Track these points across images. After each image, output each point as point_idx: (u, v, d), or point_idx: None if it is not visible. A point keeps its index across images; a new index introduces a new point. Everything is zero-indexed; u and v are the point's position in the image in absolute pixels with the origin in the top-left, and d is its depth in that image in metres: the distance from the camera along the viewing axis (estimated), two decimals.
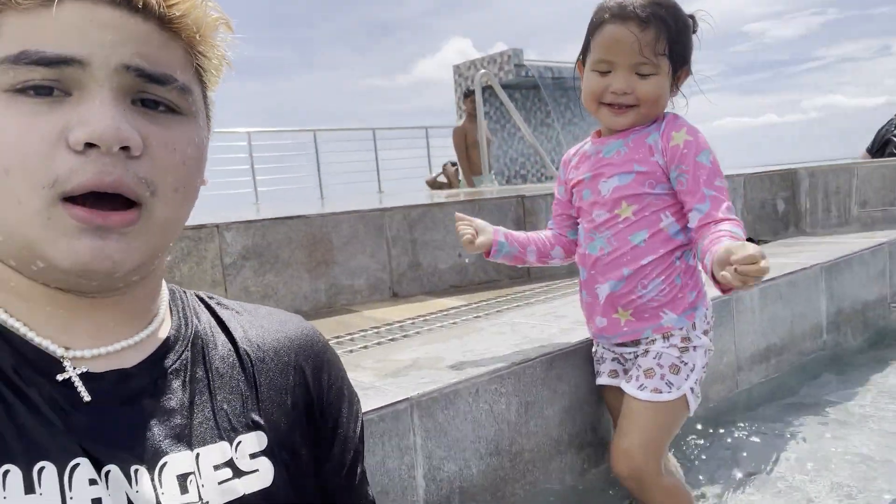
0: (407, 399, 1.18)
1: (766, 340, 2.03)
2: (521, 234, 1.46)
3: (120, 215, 0.51)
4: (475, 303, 2.12)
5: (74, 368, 0.54)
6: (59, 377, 0.53)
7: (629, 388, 1.31)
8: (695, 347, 1.29)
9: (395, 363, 1.42)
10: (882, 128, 3.69)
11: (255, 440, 0.61)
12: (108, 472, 0.51)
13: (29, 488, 0.48)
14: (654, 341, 1.30)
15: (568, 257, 1.48)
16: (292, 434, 0.65)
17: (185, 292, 0.67)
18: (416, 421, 1.20)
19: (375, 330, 1.82)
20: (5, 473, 0.48)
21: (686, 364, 1.29)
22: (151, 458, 0.54)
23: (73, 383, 0.53)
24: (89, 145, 0.48)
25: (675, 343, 1.29)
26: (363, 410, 1.11)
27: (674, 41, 1.24)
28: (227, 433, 0.60)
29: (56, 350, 0.54)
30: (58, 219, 0.49)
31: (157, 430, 0.55)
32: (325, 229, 2.17)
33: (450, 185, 7.72)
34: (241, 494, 0.58)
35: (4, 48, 0.48)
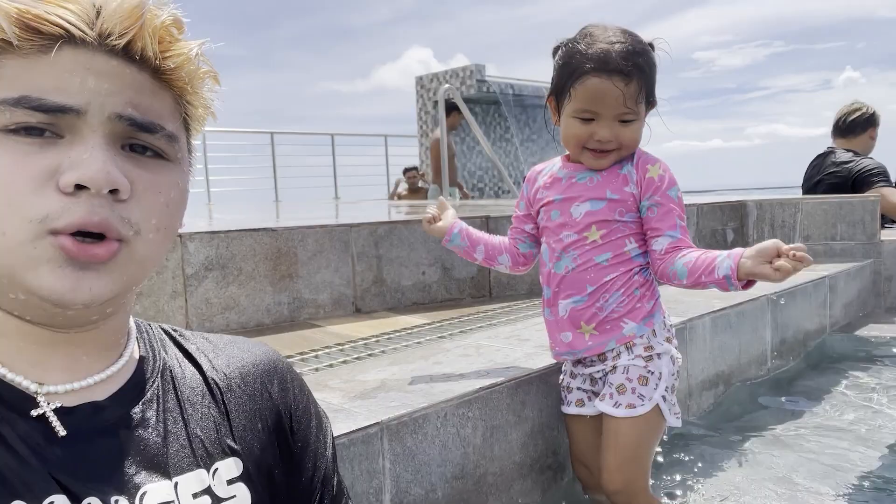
0: (378, 423, 1.20)
1: (715, 367, 2.11)
2: (476, 234, 1.54)
3: (103, 248, 0.52)
4: (438, 321, 2.14)
5: (49, 404, 0.55)
6: (34, 412, 0.54)
7: (605, 406, 1.36)
8: (659, 355, 1.36)
9: (362, 384, 1.43)
10: (812, 167, 3.70)
11: (231, 466, 0.63)
12: None
13: None
14: (619, 355, 1.36)
15: (514, 267, 1.54)
16: (266, 457, 0.67)
17: (150, 325, 0.69)
18: (386, 445, 1.21)
19: (340, 347, 1.83)
20: None
21: (653, 373, 1.34)
22: (131, 489, 0.55)
23: (47, 418, 0.54)
24: (79, 187, 0.51)
25: (640, 353, 1.35)
26: (335, 434, 1.13)
27: (650, 87, 1.32)
28: (204, 460, 0.61)
29: (29, 386, 0.55)
30: (43, 249, 0.51)
31: (134, 461, 0.56)
32: (291, 243, 2.16)
33: (410, 194, 7.75)
34: None
35: (4, 90, 0.50)
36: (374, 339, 1.90)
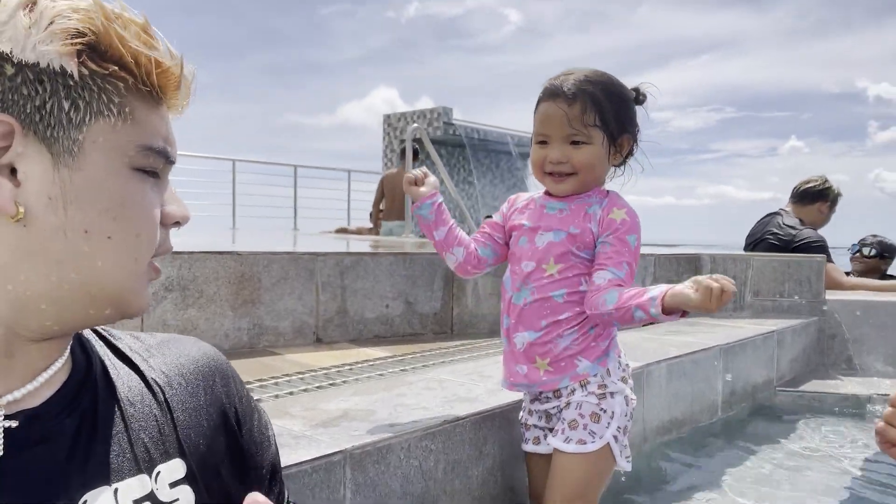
0: (341, 451, 1.18)
1: (669, 414, 2.15)
2: (446, 216, 1.48)
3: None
4: (400, 355, 2.13)
5: (3, 418, 0.53)
6: None
7: (556, 441, 1.36)
8: (612, 394, 1.37)
9: (324, 413, 1.41)
10: (758, 224, 3.83)
11: (174, 468, 0.62)
12: None
13: None
14: (573, 391, 1.37)
15: (463, 265, 1.48)
16: (212, 454, 0.66)
17: None
18: (349, 474, 1.19)
19: (300, 376, 1.80)
20: None
21: (605, 411, 1.35)
22: (68, 500, 0.54)
23: None
24: (176, 223, 0.61)
25: (593, 391, 1.36)
26: (297, 461, 1.11)
27: (606, 113, 1.35)
28: (146, 464, 0.60)
29: None
30: (147, 272, 0.59)
31: (71, 470, 0.55)
32: (255, 268, 2.13)
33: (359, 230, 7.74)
34: None
35: (147, 137, 0.56)
36: (335, 370, 1.88)
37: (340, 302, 2.32)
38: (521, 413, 1.50)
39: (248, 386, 1.65)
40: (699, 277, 1.18)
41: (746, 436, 2.45)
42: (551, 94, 1.36)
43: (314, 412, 1.41)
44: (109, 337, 0.68)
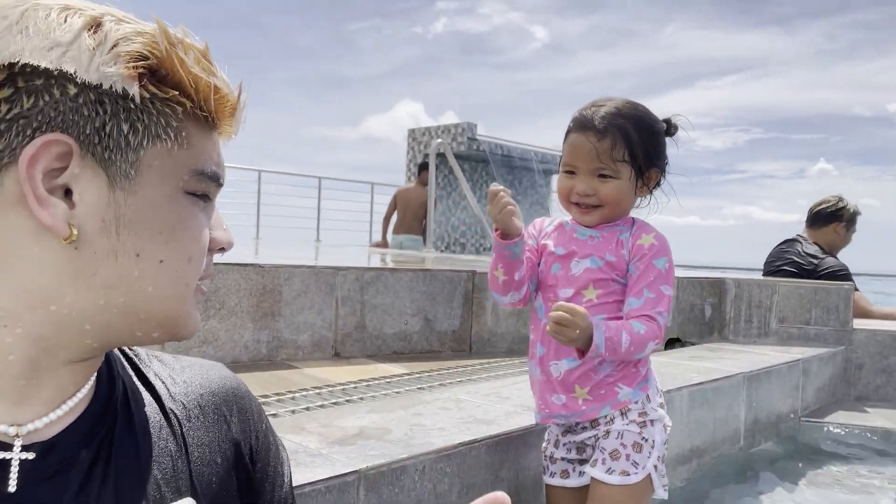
0: (356, 472, 1.17)
1: (690, 442, 2.11)
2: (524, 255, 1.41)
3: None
4: (417, 372, 2.12)
5: (20, 449, 0.52)
6: (1, 456, 0.51)
7: (596, 472, 1.32)
8: (652, 422, 1.34)
9: (340, 430, 1.40)
10: (777, 251, 3.70)
11: None
12: None
13: None
14: (612, 420, 1.34)
15: (523, 302, 1.42)
16: (224, 491, 0.65)
17: None
18: (362, 495, 1.18)
19: (317, 391, 1.80)
20: None
21: (647, 440, 1.32)
22: None
23: (10, 467, 0.51)
24: (221, 248, 0.61)
25: (634, 419, 1.33)
26: (311, 479, 1.11)
27: (635, 148, 1.34)
28: (157, 502, 0.58)
29: (9, 430, 0.51)
30: (195, 295, 0.59)
31: None
32: (277, 281, 2.15)
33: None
34: None
35: (201, 162, 0.56)
36: (352, 385, 1.88)
37: (359, 317, 2.32)
38: (546, 445, 1.45)
39: (265, 400, 1.66)
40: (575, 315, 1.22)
41: (769, 466, 2.39)
42: (582, 125, 1.35)
43: (330, 429, 1.40)
44: (135, 358, 0.66)
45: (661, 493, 1.35)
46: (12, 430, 0.51)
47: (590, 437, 1.37)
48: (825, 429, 2.75)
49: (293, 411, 1.57)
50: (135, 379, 0.64)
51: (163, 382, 0.65)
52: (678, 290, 3.27)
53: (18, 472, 0.51)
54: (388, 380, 1.98)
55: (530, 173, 12.20)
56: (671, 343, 3.24)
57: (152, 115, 0.52)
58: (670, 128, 1.42)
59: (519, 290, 1.40)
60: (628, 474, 1.30)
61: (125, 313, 0.53)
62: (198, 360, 0.73)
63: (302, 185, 11.09)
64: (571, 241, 1.40)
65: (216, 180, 0.58)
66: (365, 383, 1.92)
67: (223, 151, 0.60)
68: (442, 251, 10.34)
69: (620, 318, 1.34)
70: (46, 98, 0.48)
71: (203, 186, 0.56)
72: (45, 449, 0.52)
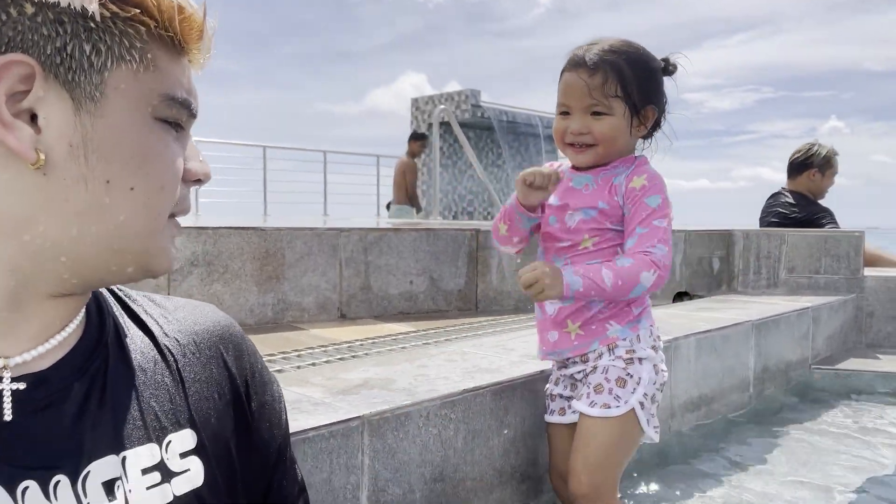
0: (359, 417, 1.18)
1: (698, 390, 2.11)
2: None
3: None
4: (423, 330, 2.13)
5: (9, 380, 0.52)
6: None
7: (580, 405, 1.34)
8: (640, 360, 1.35)
9: (345, 381, 1.41)
10: (766, 205, 3.66)
11: (185, 438, 0.60)
12: (25, 489, 0.49)
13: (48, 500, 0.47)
14: (600, 356, 1.36)
15: (519, 250, 1.50)
16: (221, 426, 0.65)
17: None
18: (366, 440, 1.19)
19: (323, 349, 1.81)
20: (24, 490, 0.47)
21: (632, 376, 1.33)
22: (73, 467, 0.52)
23: (1, 395, 0.51)
24: (197, 180, 0.60)
25: (621, 355, 1.35)
26: (314, 425, 1.11)
27: (627, 83, 1.32)
28: (157, 433, 0.58)
29: None
30: (168, 230, 0.58)
31: (78, 435, 0.53)
32: (279, 244, 2.14)
33: None
34: (172, 498, 0.57)
35: (170, 86, 0.54)
36: (358, 343, 1.89)
37: (364, 278, 2.32)
38: (548, 384, 1.48)
39: (270, 358, 1.67)
40: (538, 273, 1.27)
41: (780, 413, 2.39)
42: (574, 64, 1.34)
43: (334, 381, 1.41)
44: (125, 298, 0.66)
45: (653, 435, 1.35)
46: (0, 362, 0.51)
47: (579, 372, 1.39)
48: (836, 375, 2.74)
49: (298, 367, 1.58)
50: (126, 317, 0.64)
51: (155, 321, 0.65)
52: (685, 243, 3.24)
53: (11, 402, 0.51)
54: (393, 337, 1.99)
55: (536, 139, 12.09)
56: (679, 297, 3.23)
57: (115, 35, 0.51)
58: (668, 66, 1.40)
59: (520, 243, 1.48)
60: (609, 407, 1.31)
61: (98, 244, 0.53)
62: (189, 300, 0.72)
63: (307, 160, 11.08)
64: (567, 192, 1.40)
65: (188, 107, 0.56)
66: (371, 341, 1.93)
67: (195, 82, 0.59)
68: (448, 220, 10.31)
69: (613, 262, 1.34)
70: (3, 17, 0.47)
71: (174, 113, 0.55)
72: (36, 380, 0.53)
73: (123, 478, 0.54)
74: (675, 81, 1.42)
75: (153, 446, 0.57)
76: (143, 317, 0.65)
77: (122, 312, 0.64)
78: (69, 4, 0.48)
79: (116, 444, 0.55)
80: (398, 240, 2.39)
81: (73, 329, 0.56)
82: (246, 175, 10.53)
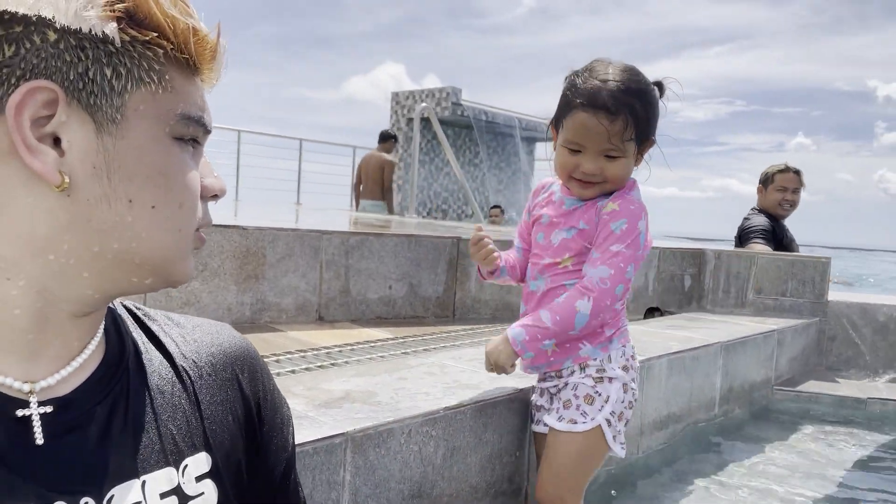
0: (343, 434, 1.18)
1: (667, 409, 2.16)
2: (508, 259, 1.55)
3: None
4: (402, 337, 2.13)
5: (37, 405, 0.52)
6: (19, 413, 0.51)
7: (550, 419, 1.40)
8: (610, 379, 1.38)
9: (326, 393, 1.41)
10: (743, 226, 3.67)
11: (201, 461, 0.61)
12: None
13: None
14: (572, 372, 1.40)
15: (518, 282, 1.57)
16: (234, 450, 0.66)
17: (112, 302, 0.65)
18: (349, 457, 1.19)
19: (302, 354, 1.80)
20: None
21: (600, 395, 1.37)
22: (98, 491, 0.53)
23: (31, 421, 0.51)
24: (214, 196, 0.61)
25: (591, 374, 1.39)
26: (299, 441, 1.11)
27: (641, 125, 1.34)
28: (174, 456, 0.59)
29: (23, 387, 0.52)
30: (191, 242, 0.59)
31: (101, 459, 0.54)
32: (260, 243, 2.12)
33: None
34: None
35: (186, 106, 0.56)
36: (337, 349, 1.88)
37: (344, 281, 2.32)
38: (533, 395, 1.52)
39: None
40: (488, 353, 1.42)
41: (742, 433, 2.46)
42: (592, 105, 1.31)
43: (316, 392, 1.41)
44: (143, 317, 0.66)
45: (619, 451, 1.39)
46: (27, 387, 0.52)
47: (553, 386, 1.44)
48: (796, 397, 2.83)
49: (278, 374, 1.57)
50: (144, 338, 0.64)
51: (173, 341, 0.66)
52: (659, 260, 3.30)
53: (41, 425, 0.52)
54: (372, 344, 1.99)
55: (514, 140, 12.15)
56: (651, 312, 3.29)
57: (134, 59, 0.52)
58: (661, 91, 1.42)
59: (517, 280, 1.56)
60: (575, 422, 1.36)
61: (120, 259, 0.54)
62: (206, 320, 0.73)
63: (282, 147, 10.95)
64: (556, 212, 1.44)
65: (203, 125, 0.58)
66: (350, 347, 1.93)
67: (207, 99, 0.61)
68: (424, 217, 10.31)
69: None
70: (27, 45, 0.48)
71: (191, 131, 0.56)
72: (62, 404, 0.54)
73: (143, 502, 0.55)
74: (666, 105, 1.45)
75: (170, 470, 0.58)
76: (162, 337, 0.65)
77: (141, 332, 0.65)
78: (90, 31, 0.50)
79: (137, 469, 0.56)
80: (380, 244, 2.39)
81: (92, 349, 0.57)
82: (218, 159, 10.36)
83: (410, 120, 10.06)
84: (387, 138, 7.38)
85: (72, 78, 0.50)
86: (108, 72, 0.51)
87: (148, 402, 0.59)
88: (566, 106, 1.37)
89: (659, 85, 1.41)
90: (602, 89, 1.32)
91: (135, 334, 0.63)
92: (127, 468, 0.55)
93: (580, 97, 1.33)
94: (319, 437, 1.15)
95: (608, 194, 1.39)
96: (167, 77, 0.54)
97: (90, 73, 0.50)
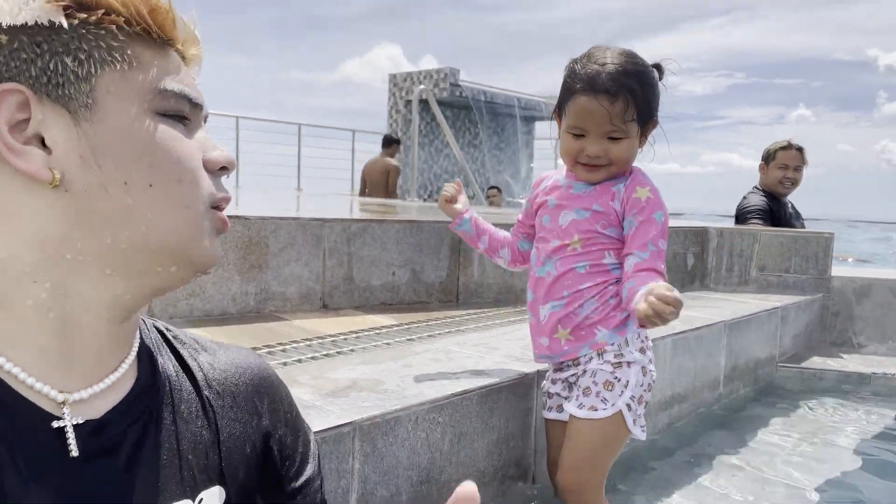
0: (351, 423, 1.19)
1: (672, 389, 2.17)
2: (483, 225, 1.62)
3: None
4: (406, 323, 2.14)
5: (70, 416, 0.52)
6: (55, 424, 0.51)
7: (570, 407, 1.40)
8: (629, 364, 1.39)
9: (333, 382, 1.42)
10: (740, 206, 3.64)
11: (214, 495, 0.61)
12: None
13: None
14: (590, 359, 1.40)
15: (512, 263, 1.60)
16: (250, 481, 0.65)
17: (143, 321, 0.65)
18: (357, 445, 1.20)
19: (307, 342, 1.81)
20: None
21: (619, 380, 1.38)
22: None
23: (65, 433, 0.51)
24: (223, 168, 0.59)
25: (609, 360, 1.39)
26: None
27: (641, 106, 1.35)
28: (191, 488, 0.59)
29: (57, 396, 0.52)
30: (209, 221, 0.57)
31: (129, 486, 0.54)
32: (263, 232, 2.12)
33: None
34: None
35: (159, 79, 0.54)
36: (342, 337, 1.89)
37: (347, 268, 2.32)
38: (545, 382, 1.53)
39: (256, 352, 1.66)
40: (656, 296, 1.15)
41: (747, 410, 2.47)
42: (592, 88, 1.33)
43: (322, 381, 1.42)
44: (173, 339, 0.66)
45: (639, 434, 1.40)
46: (61, 397, 0.52)
47: (572, 375, 1.44)
48: (800, 374, 2.84)
49: (285, 363, 1.58)
50: (175, 363, 0.64)
51: (201, 368, 0.65)
52: None
53: (76, 439, 0.52)
54: (377, 331, 2.00)
55: (513, 120, 12.08)
56: None
57: (91, 42, 0.52)
58: (660, 73, 1.43)
59: (498, 254, 1.60)
60: (596, 409, 1.36)
61: (136, 248, 0.53)
62: (233, 346, 0.72)
63: (281, 132, 10.90)
64: (564, 195, 1.45)
65: (187, 98, 0.56)
66: (354, 335, 1.93)
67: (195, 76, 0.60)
68: (424, 200, 10.29)
69: (603, 266, 1.40)
70: None
71: (173, 105, 0.55)
72: (98, 425, 0.53)
73: None
74: (665, 87, 1.45)
75: (188, 502, 0.58)
76: (190, 362, 0.65)
77: (171, 356, 0.64)
78: (37, 23, 0.50)
79: (159, 498, 0.56)
80: (381, 231, 2.39)
81: (126, 368, 0.57)
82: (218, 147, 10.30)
83: (409, 102, 9.99)
84: (390, 143, 7.35)
85: (34, 74, 0.50)
86: (69, 60, 0.51)
87: (174, 431, 0.59)
88: (567, 92, 1.38)
89: (658, 67, 1.42)
90: (601, 73, 1.34)
91: (165, 356, 0.63)
92: (149, 497, 0.55)
93: (580, 82, 1.35)
94: (327, 426, 1.16)
95: (615, 178, 1.40)
96: (130, 53, 0.53)
97: (51, 66, 0.50)
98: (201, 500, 0.60)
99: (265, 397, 0.69)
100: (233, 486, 0.63)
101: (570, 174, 1.46)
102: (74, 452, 0.51)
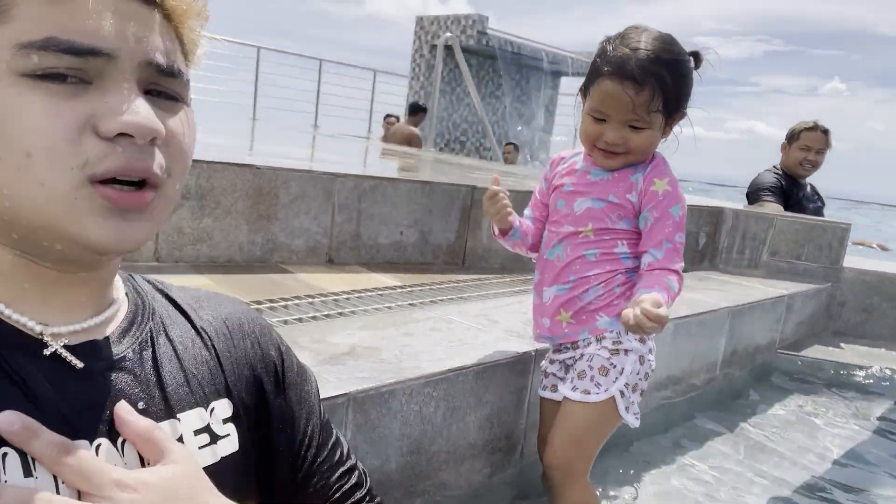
0: (346, 394, 1.21)
1: (668, 371, 2.18)
2: (523, 223, 1.52)
3: (146, 195, 0.52)
4: (409, 285, 2.14)
5: (56, 342, 0.54)
6: (46, 352, 0.53)
7: (564, 389, 1.42)
8: (626, 351, 1.39)
9: (332, 347, 1.43)
10: (753, 183, 3.61)
11: (224, 406, 0.64)
12: (98, 446, 0.52)
13: (27, 471, 0.49)
14: (588, 344, 1.41)
15: (532, 250, 1.55)
16: (252, 403, 0.68)
17: (130, 275, 0.68)
18: (351, 416, 1.22)
19: (310, 300, 1.82)
20: (3, 456, 0.48)
21: (615, 366, 1.39)
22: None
23: (60, 356, 0.54)
24: (121, 135, 0.50)
25: (607, 346, 1.39)
26: None
27: (669, 96, 1.31)
28: (201, 399, 0.62)
29: (35, 327, 0.54)
30: (84, 199, 0.50)
31: (139, 398, 0.57)
32: (273, 183, 2.11)
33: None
34: (218, 459, 0.61)
35: (26, 32, 0.48)
36: (344, 296, 1.90)
37: (355, 225, 2.31)
38: (544, 361, 1.54)
39: (257, 305, 1.68)
40: (641, 310, 1.16)
41: (740, 395, 2.49)
42: (619, 74, 1.28)
43: (322, 345, 1.43)
44: (162, 287, 0.69)
45: (632, 421, 1.41)
46: (38, 328, 0.54)
47: (569, 357, 1.45)
48: (799, 362, 2.84)
49: (286, 321, 1.59)
50: (164, 301, 0.67)
51: (190, 306, 0.69)
52: None
53: (81, 359, 0.54)
54: (380, 292, 2.01)
55: (539, 73, 11.80)
56: None
57: None
58: (697, 62, 1.38)
59: (527, 248, 1.53)
60: (589, 393, 1.38)
61: (11, 221, 0.51)
62: (215, 292, 0.75)
63: (302, 66, 10.71)
64: (580, 181, 1.43)
65: (71, 50, 0.48)
66: (357, 294, 1.94)
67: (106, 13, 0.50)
68: (441, 149, 10.18)
69: (614, 255, 1.38)
70: None
71: (45, 62, 0.47)
72: (95, 343, 0.56)
73: (181, 438, 0.59)
74: (701, 76, 1.40)
75: (201, 410, 0.62)
76: (180, 302, 0.68)
77: (162, 298, 0.68)
78: None
79: (171, 408, 0.59)
80: (393, 189, 2.37)
81: (112, 312, 0.60)
82: (237, 76, 10.18)
83: (433, 47, 9.76)
84: (416, 111, 7.26)
85: None
86: None
87: (172, 352, 0.62)
88: (594, 73, 1.34)
89: (695, 55, 1.36)
90: (631, 58, 1.28)
91: (156, 297, 0.67)
92: (162, 406, 0.58)
93: (608, 65, 1.31)
94: (323, 396, 1.17)
95: (633, 165, 1.37)
96: (4, 3, 0.47)
97: None
98: (213, 409, 0.63)
99: (256, 329, 0.72)
100: (240, 402, 0.66)
101: (587, 158, 1.43)
102: (79, 364, 0.54)
